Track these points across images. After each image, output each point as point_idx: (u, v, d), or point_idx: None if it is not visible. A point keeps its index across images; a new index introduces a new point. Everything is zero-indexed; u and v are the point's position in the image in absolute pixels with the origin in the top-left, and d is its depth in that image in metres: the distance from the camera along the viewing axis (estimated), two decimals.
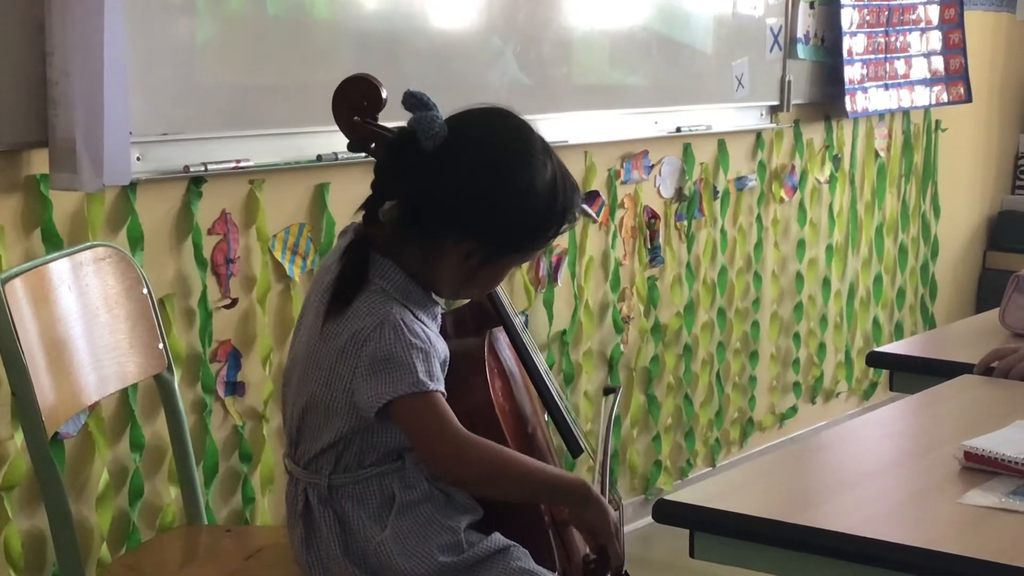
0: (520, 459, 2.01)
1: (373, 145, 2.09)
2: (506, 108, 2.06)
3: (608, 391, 2.34)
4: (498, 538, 2.02)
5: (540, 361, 2.27)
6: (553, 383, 2.28)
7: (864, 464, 2.00)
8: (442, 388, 1.95)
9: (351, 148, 2.11)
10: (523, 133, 2.02)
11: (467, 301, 2.25)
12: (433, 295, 2.05)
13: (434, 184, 1.97)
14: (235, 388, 2.91)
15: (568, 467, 3.56)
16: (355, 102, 2.09)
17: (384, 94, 2.09)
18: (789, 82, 4.35)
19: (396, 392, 1.92)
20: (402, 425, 1.96)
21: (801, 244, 4.65)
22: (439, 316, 2.08)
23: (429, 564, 1.97)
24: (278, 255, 2.97)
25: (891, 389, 2.72)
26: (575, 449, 2.25)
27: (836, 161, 4.77)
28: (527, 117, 2.06)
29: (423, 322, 2.00)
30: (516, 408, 2.20)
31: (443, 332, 2.10)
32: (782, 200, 4.54)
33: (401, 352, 1.92)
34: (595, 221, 3.80)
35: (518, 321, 2.26)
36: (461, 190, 1.97)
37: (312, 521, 2.04)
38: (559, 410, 2.26)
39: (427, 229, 1.98)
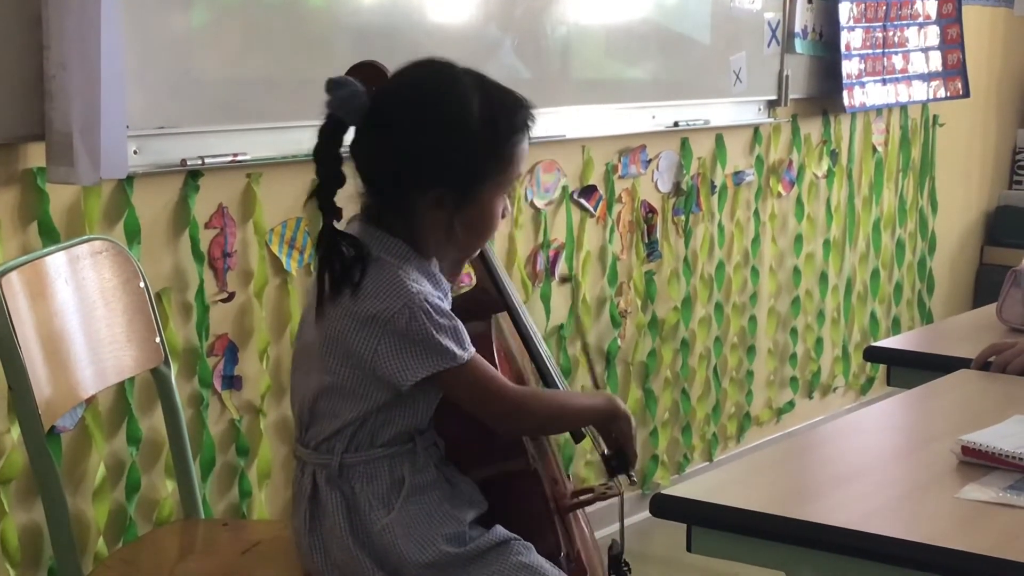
0: (558, 397, 2.20)
1: None
2: (430, 57, 2.06)
3: (564, 280, 2.38)
4: (500, 531, 2.03)
5: (543, 346, 2.28)
6: (556, 368, 2.29)
7: (861, 459, 2.00)
8: (474, 351, 1.99)
9: None
10: (443, 70, 2.03)
11: (469, 288, 2.26)
12: (438, 272, 2.05)
13: (375, 150, 1.99)
14: (232, 382, 2.91)
15: (568, 456, 3.57)
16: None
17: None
18: (787, 77, 4.35)
19: (433, 369, 1.95)
20: (452, 397, 2.01)
21: (798, 239, 4.65)
22: (449, 292, 2.07)
23: (433, 552, 1.97)
24: (275, 249, 2.96)
25: (888, 384, 2.72)
26: (577, 434, 2.26)
27: (834, 156, 4.77)
28: None
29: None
30: None
31: None
32: (780, 195, 4.54)
33: (429, 337, 1.94)
34: (592, 215, 3.80)
35: (522, 307, 2.26)
36: (400, 145, 1.98)
37: (319, 503, 2.03)
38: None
39: (392, 195, 1.99)
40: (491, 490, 2.09)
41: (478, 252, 2.17)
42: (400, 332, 1.94)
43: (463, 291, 2.27)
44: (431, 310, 1.94)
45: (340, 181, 1.98)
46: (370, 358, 1.95)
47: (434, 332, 1.94)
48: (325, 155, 1.99)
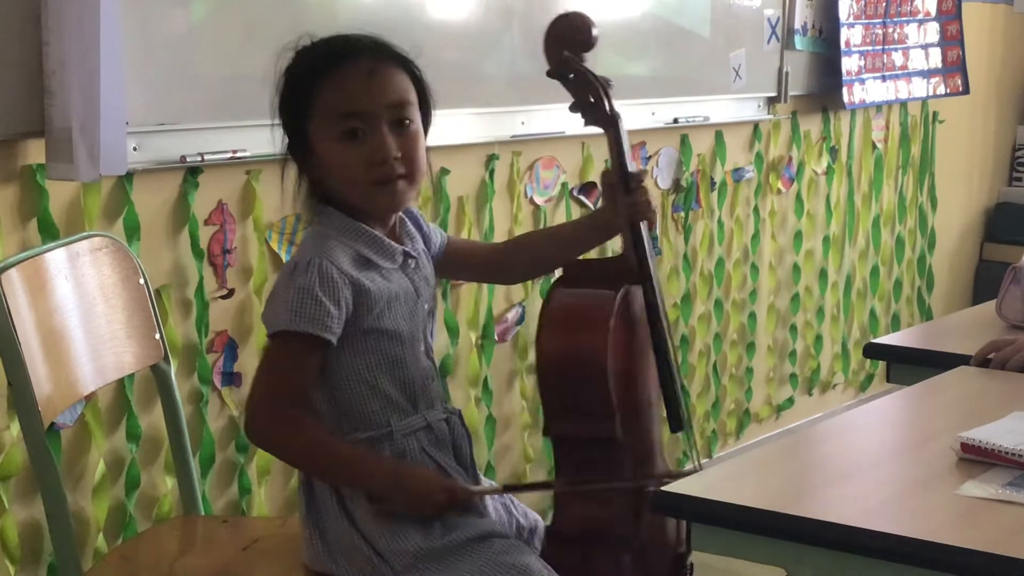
0: (315, 453, 2.01)
1: (572, 76, 2.26)
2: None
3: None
4: (483, 525, 2.03)
5: (668, 328, 2.26)
6: (672, 354, 2.26)
7: (861, 455, 2.00)
8: (316, 332, 1.95)
9: (550, 75, 2.27)
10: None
11: (613, 256, 2.27)
12: (385, 236, 2.06)
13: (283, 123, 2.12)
14: (231, 378, 2.91)
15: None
16: (569, 37, 2.22)
17: (595, 32, 2.21)
18: (787, 73, 4.35)
19: (271, 327, 1.99)
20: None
21: (798, 235, 4.65)
22: (396, 254, 2.08)
23: (407, 541, 1.98)
24: (275, 245, 2.96)
25: (888, 380, 2.71)
26: (675, 425, 2.25)
27: (833, 153, 4.77)
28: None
29: (366, 259, 2.03)
30: (632, 370, 2.19)
31: (577, 279, 2.15)
32: (779, 191, 4.54)
33: (288, 290, 1.97)
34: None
35: (659, 285, 2.24)
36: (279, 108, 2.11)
37: (312, 486, 2.05)
38: (671, 379, 2.24)
39: (299, 155, 2.10)
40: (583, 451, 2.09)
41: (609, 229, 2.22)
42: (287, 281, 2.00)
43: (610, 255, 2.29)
44: (315, 271, 1.97)
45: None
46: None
47: (294, 289, 1.96)
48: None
